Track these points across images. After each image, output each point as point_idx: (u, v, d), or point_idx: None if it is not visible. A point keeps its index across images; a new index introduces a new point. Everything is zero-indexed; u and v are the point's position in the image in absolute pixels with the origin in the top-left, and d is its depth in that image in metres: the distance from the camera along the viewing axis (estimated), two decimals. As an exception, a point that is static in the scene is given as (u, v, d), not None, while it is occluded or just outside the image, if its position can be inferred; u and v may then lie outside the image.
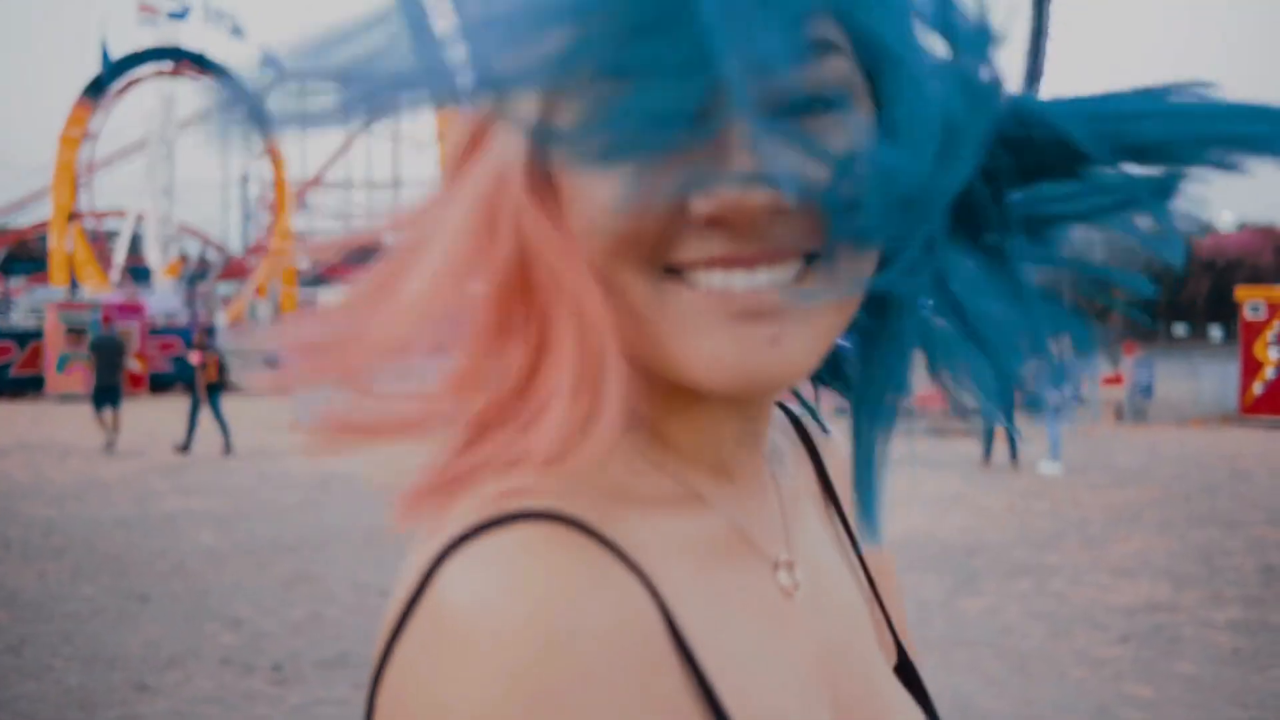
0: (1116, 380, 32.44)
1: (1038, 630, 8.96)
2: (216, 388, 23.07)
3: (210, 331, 25.53)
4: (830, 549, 1.12)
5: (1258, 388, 30.38)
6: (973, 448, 21.53)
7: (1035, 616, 9.37)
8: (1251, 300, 30.82)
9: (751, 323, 0.80)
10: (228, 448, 21.89)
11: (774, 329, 0.81)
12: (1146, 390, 32.33)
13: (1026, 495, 16.04)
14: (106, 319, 39.08)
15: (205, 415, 22.20)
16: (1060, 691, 7.51)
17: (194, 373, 23.13)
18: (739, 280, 0.80)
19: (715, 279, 0.81)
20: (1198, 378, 35.65)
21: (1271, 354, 30.04)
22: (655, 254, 0.81)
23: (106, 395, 23.70)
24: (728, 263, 0.80)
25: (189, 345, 24.58)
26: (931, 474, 18.38)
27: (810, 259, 0.82)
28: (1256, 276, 70.35)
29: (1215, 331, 76.97)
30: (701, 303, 0.81)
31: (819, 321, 0.83)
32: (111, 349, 24.82)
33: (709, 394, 0.84)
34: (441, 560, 0.76)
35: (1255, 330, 30.25)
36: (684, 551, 0.88)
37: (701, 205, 0.77)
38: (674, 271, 0.82)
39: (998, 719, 6.97)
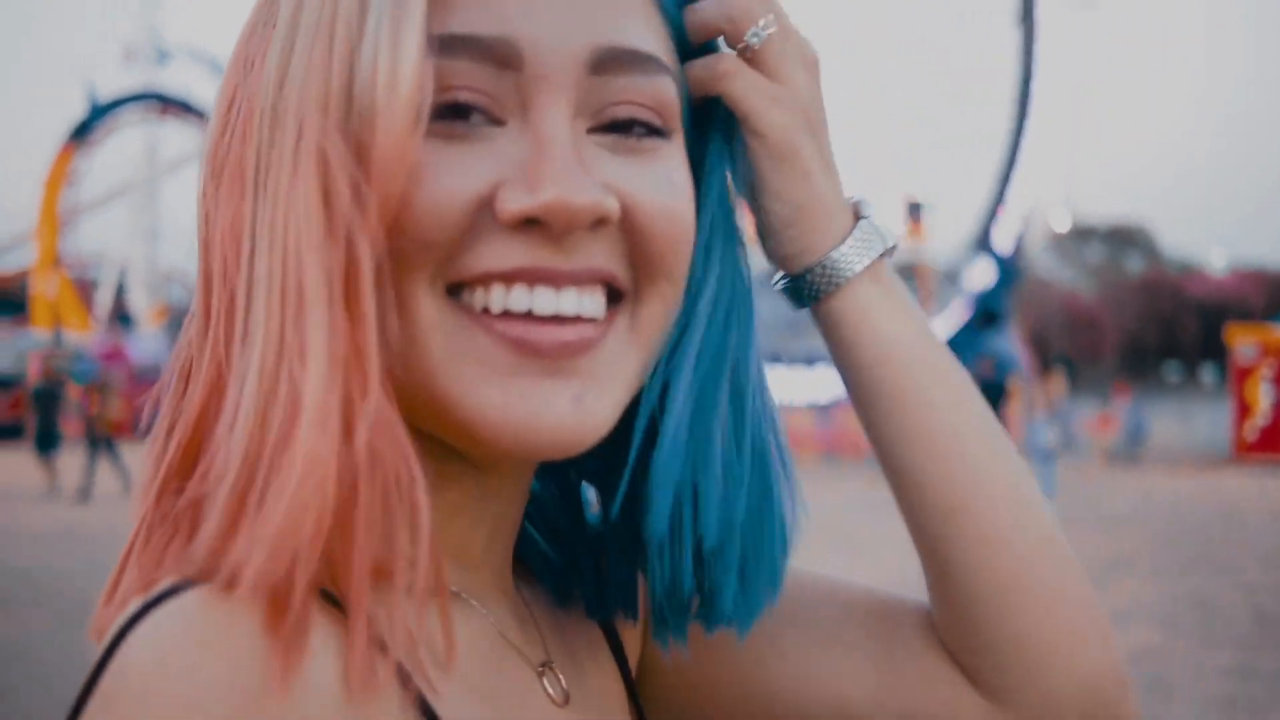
0: (1108, 423, 32.50)
1: (1030, 679, 8.89)
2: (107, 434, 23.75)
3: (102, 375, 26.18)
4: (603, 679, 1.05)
5: (1250, 430, 30.43)
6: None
7: (1027, 665, 9.30)
8: (1243, 342, 30.89)
9: (554, 379, 0.78)
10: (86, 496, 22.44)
11: (577, 388, 0.78)
12: (1138, 433, 32.38)
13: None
14: (110, 356, 38.92)
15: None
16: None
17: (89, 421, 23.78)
18: (543, 300, 0.78)
19: (515, 297, 0.77)
20: (1190, 420, 35.73)
21: (1264, 396, 30.08)
22: (449, 263, 0.77)
23: (48, 441, 23.92)
24: (533, 276, 0.77)
25: (47, 398, 24.87)
26: (919, 520, 18.35)
27: (613, 297, 0.82)
28: (1247, 317, 70.70)
29: (1207, 374, 77.31)
30: (495, 348, 0.77)
31: (620, 386, 0.82)
32: (51, 397, 25.00)
33: (487, 455, 0.81)
34: (141, 616, 0.72)
35: (1247, 372, 30.31)
36: (436, 644, 0.78)
37: (520, 201, 0.75)
38: (456, 289, 0.78)
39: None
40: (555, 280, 0.77)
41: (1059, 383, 36.89)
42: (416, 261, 0.76)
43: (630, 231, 0.80)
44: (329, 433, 0.70)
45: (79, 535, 16.77)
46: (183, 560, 0.74)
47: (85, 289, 59.56)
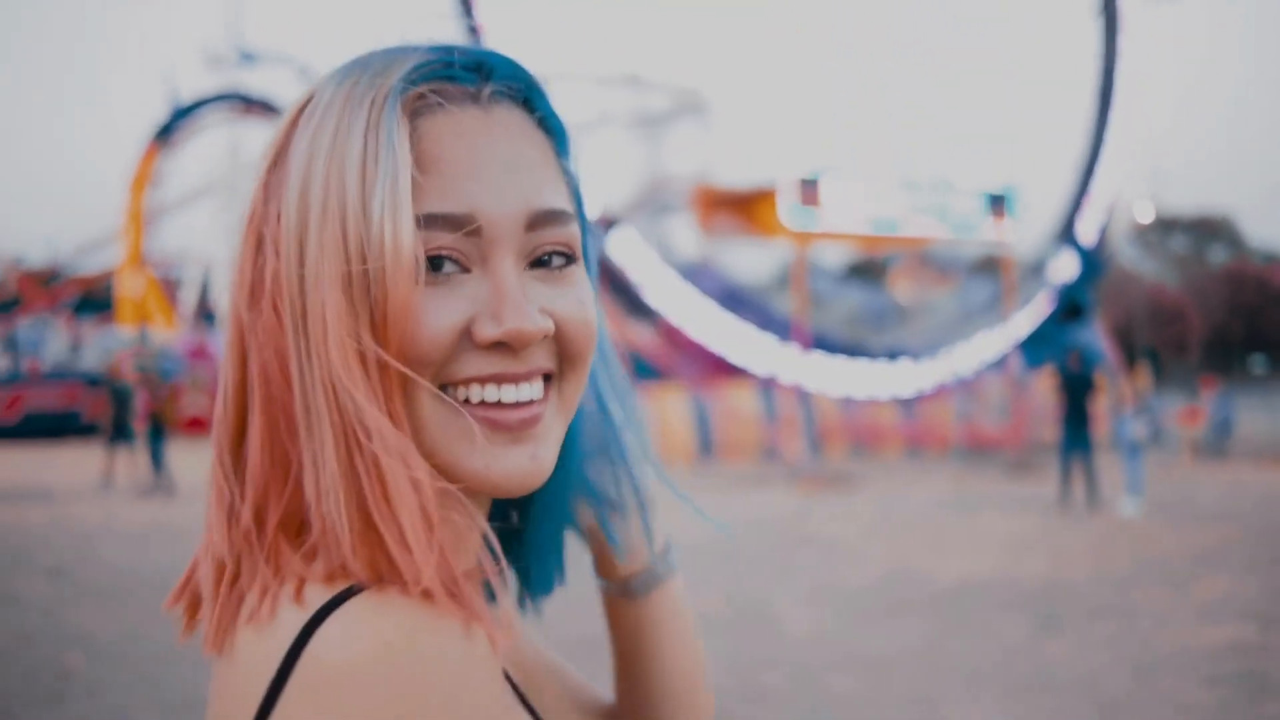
0: (1195, 416, 32.17)
1: (1123, 674, 8.80)
2: (162, 432, 24.41)
3: (166, 372, 26.55)
4: None
5: (1339, 423, 30.08)
6: (1050, 488, 21.35)
7: (1120, 660, 9.21)
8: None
9: (518, 445, 1.08)
10: (169, 489, 23.28)
11: (532, 448, 1.09)
12: (1226, 426, 32.06)
13: (1105, 536, 15.85)
14: (195, 353, 39.34)
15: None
16: (1150, 737, 7.38)
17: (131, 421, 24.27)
18: (508, 393, 1.08)
19: (489, 392, 1.08)
20: (1276, 412, 35.30)
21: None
22: (436, 373, 1.06)
23: (120, 435, 24.31)
24: (502, 379, 1.08)
25: (120, 394, 25.34)
26: (1009, 515, 18.23)
27: (546, 378, 1.12)
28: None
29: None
30: (474, 424, 1.06)
31: (555, 441, 1.13)
32: (122, 393, 25.30)
33: (486, 494, 1.11)
34: (326, 614, 0.95)
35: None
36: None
37: (490, 331, 1.06)
38: (446, 388, 1.07)
39: (1088, 765, 6.84)
40: (515, 379, 1.08)
41: (1145, 376, 36.54)
42: (421, 374, 1.05)
43: (559, 339, 1.11)
44: (408, 483, 1.00)
45: (171, 531, 16.93)
46: (323, 573, 0.99)
47: (170, 288, 60.05)
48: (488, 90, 1.11)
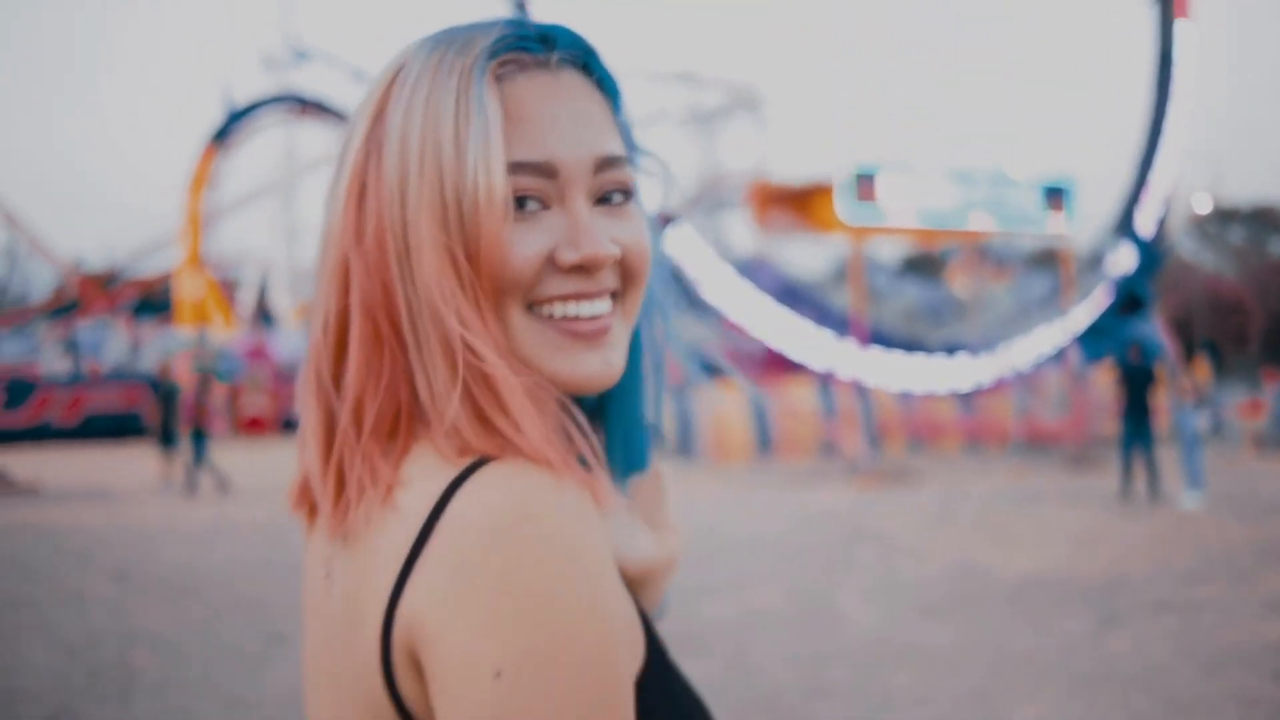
0: (1257, 409, 31.95)
1: (1188, 669, 8.74)
2: (204, 433, 24.68)
3: (207, 375, 26.74)
4: None
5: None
6: (1111, 482, 21.23)
7: (1184, 655, 9.15)
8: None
9: (593, 350, 1.29)
10: (225, 486, 23.67)
11: (605, 354, 1.30)
12: (1289, 418, 31.83)
13: (1168, 530, 15.74)
14: (253, 354, 39.66)
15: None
16: (1215, 732, 7.33)
17: (177, 423, 24.53)
18: (585, 309, 1.29)
19: (569, 308, 1.28)
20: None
21: None
22: (528, 294, 1.27)
23: (169, 437, 24.51)
24: (580, 296, 1.28)
25: (167, 395, 25.57)
26: (1070, 509, 18.14)
27: (613, 296, 1.33)
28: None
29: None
30: (558, 334, 1.28)
31: (623, 347, 1.33)
32: (171, 395, 25.47)
33: (566, 389, 1.29)
34: (468, 475, 1.17)
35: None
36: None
37: (570, 257, 1.26)
38: (533, 306, 1.28)
39: (1153, 760, 6.80)
40: (590, 297, 1.29)
41: (1204, 368, 36.30)
42: (512, 295, 1.26)
43: (622, 263, 1.32)
44: (512, 381, 1.22)
45: (233, 530, 17.04)
46: (452, 449, 1.20)
47: (228, 289, 60.41)
48: (555, 58, 1.31)
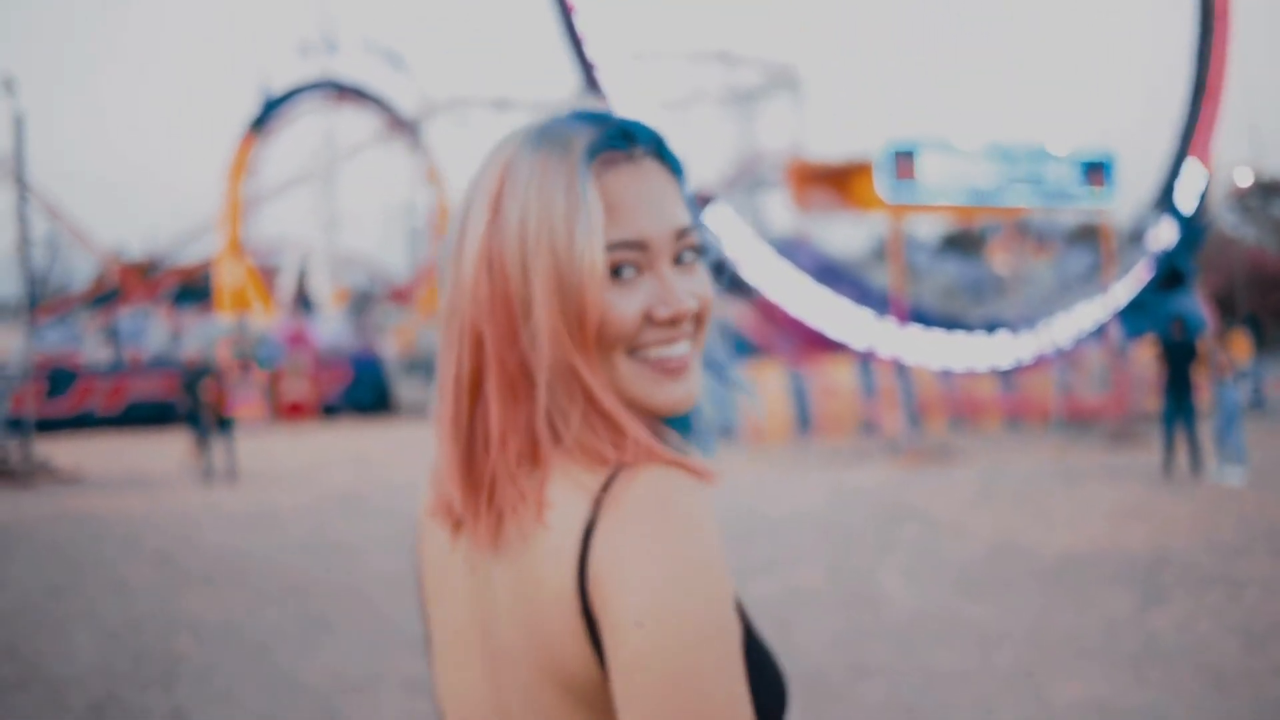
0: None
1: (1233, 644, 8.70)
2: (228, 419, 24.82)
3: (209, 368, 26.62)
4: None
5: None
6: (1153, 458, 21.14)
7: (1229, 630, 9.11)
8: None
9: (679, 382, 1.59)
10: (233, 474, 23.68)
11: (688, 384, 1.60)
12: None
13: (1211, 505, 15.66)
14: (293, 340, 39.87)
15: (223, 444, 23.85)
16: (1258, 707, 7.28)
17: (201, 408, 24.42)
18: (674, 350, 1.58)
19: (661, 351, 1.57)
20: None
21: None
22: (629, 344, 1.56)
23: (197, 423, 24.61)
24: (669, 341, 1.58)
25: (192, 380, 25.47)
26: (1112, 485, 18.06)
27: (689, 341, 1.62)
28: None
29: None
30: (654, 372, 1.58)
31: (699, 377, 1.63)
32: (193, 378, 25.52)
33: (660, 413, 1.59)
34: (615, 477, 1.48)
35: None
36: None
37: (664, 313, 1.55)
38: (634, 351, 1.57)
39: (1198, 737, 6.77)
40: (676, 340, 1.59)
41: (1243, 343, 36.07)
42: (617, 345, 1.56)
43: (697, 314, 1.61)
44: (624, 411, 1.55)
45: (271, 516, 17.11)
46: (591, 464, 1.51)
47: (268, 275, 60.61)
48: (637, 151, 1.61)
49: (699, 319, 1.63)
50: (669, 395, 1.59)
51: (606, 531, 1.44)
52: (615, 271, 1.56)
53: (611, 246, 1.54)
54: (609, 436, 1.53)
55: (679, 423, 1.68)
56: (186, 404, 25.35)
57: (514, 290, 1.54)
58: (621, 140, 1.60)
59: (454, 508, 1.60)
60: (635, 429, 1.53)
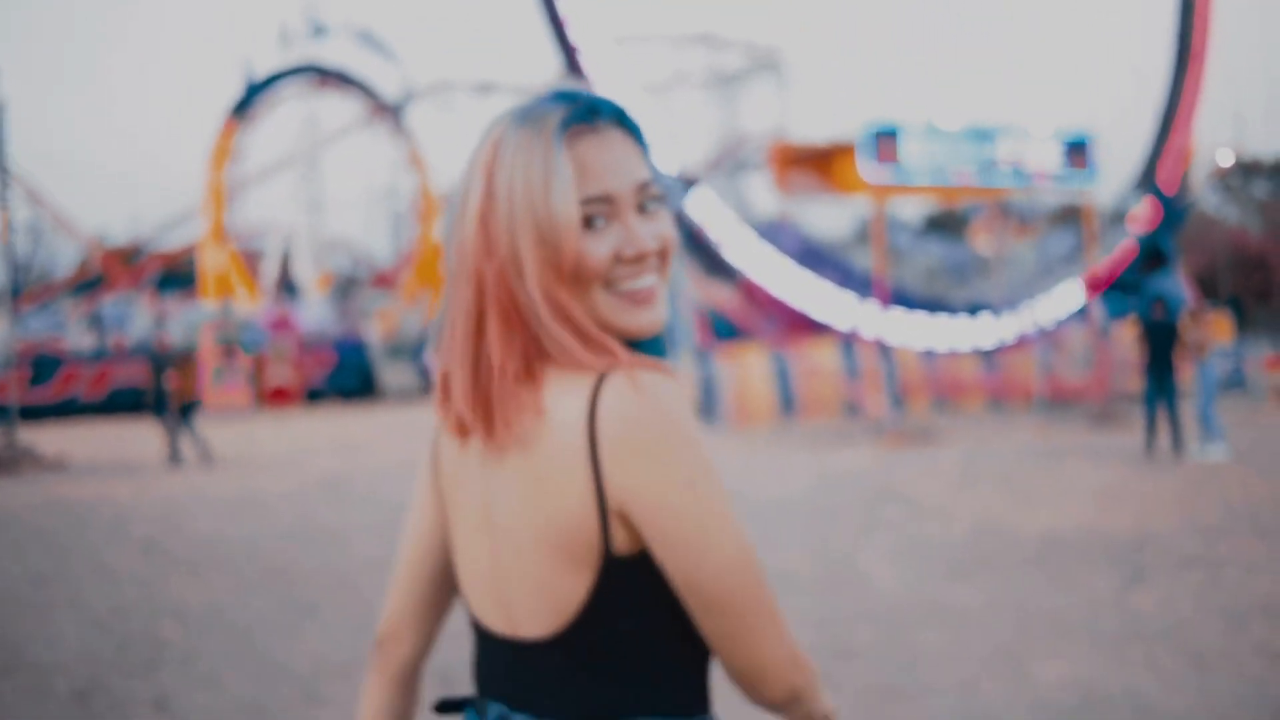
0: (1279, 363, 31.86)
1: (1214, 624, 8.75)
2: (190, 406, 24.68)
3: (180, 352, 26.55)
4: None
5: None
6: (1135, 438, 21.20)
7: (1210, 610, 9.16)
8: None
9: (649, 309, 1.94)
10: (208, 458, 23.82)
11: (656, 310, 1.95)
12: (1311, 373, 31.71)
13: (1193, 485, 15.73)
14: (278, 325, 39.88)
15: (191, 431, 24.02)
16: (1239, 687, 7.32)
17: (166, 394, 24.34)
18: (642, 282, 1.93)
19: (632, 284, 1.92)
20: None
21: None
22: (604, 279, 1.91)
23: (160, 408, 24.65)
24: (636, 275, 1.92)
25: (161, 366, 25.37)
26: (1094, 466, 18.13)
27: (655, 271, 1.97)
28: None
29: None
30: (627, 302, 1.92)
31: (665, 304, 1.96)
32: (159, 364, 25.47)
33: (633, 336, 1.93)
34: (604, 381, 1.84)
35: None
36: None
37: (630, 252, 1.90)
38: (609, 285, 1.91)
39: (1174, 716, 6.80)
40: (643, 274, 1.93)
41: (1225, 323, 36.15)
42: (594, 281, 1.90)
43: (659, 250, 1.95)
44: (603, 334, 1.90)
45: (256, 502, 17.12)
46: (593, 364, 1.86)
47: (251, 261, 60.49)
48: (601, 122, 1.95)
49: (663, 256, 1.98)
50: (640, 320, 1.93)
51: (611, 423, 1.81)
52: (589, 222, 1.90)
53: (583, 201, 1.88)
54: (594, 351, 1.87)
55: (651, 345, 2.00)
56: (153, 390, 25.32)
57: (505, 242, 1.87)
58: (588, 114, 1.93)
59: (464, 421, 1.94)
60: (615, 345, 1.88)
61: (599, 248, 1.89)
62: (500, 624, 1.98)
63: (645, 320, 1.93)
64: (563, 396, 1.86)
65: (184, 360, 25.42)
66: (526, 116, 1.92)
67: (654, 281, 1.95)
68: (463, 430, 1.96)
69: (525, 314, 1.88)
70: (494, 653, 2.02)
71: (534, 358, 1.89)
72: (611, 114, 1.97)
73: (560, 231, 1.85)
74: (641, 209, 1.95)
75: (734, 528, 1.85)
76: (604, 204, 1.90)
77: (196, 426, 24.34)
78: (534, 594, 1.90)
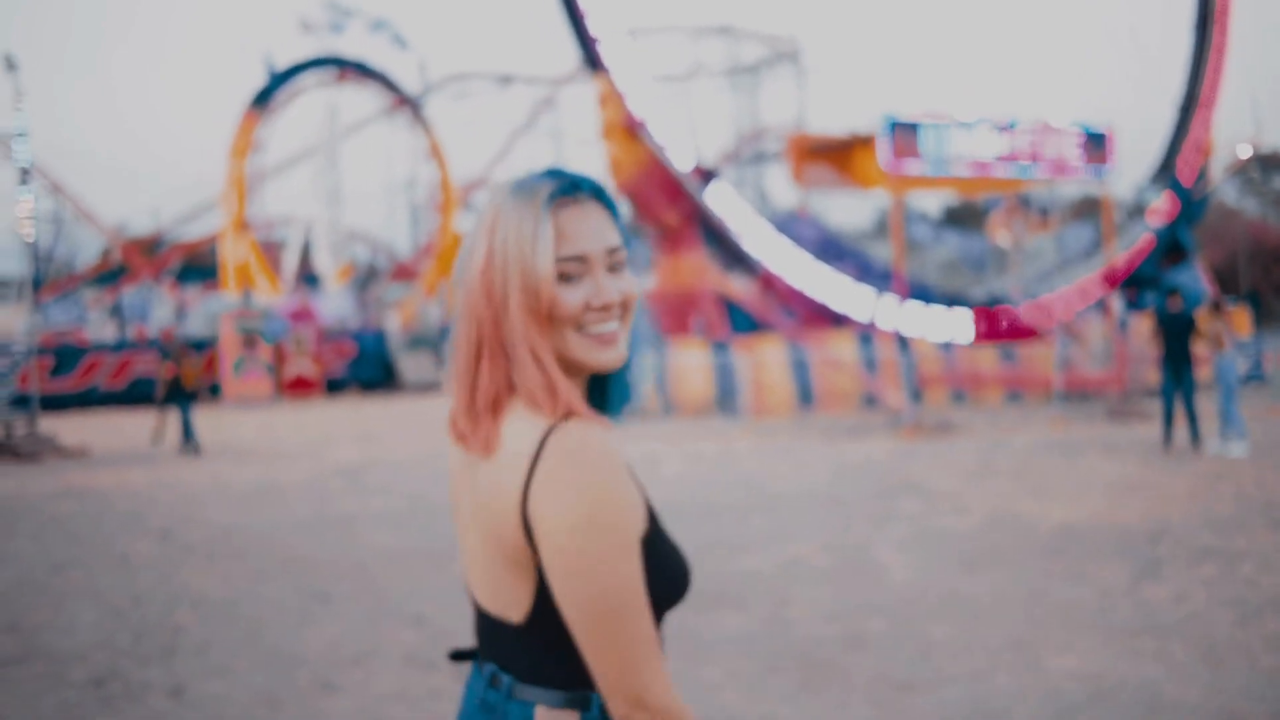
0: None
1: (1226, 617, 8.75)
2: (189, 395, 24.72)
3: (184, 342, 26.73)
4: None
5: None
6: (1152, 432, 21.16)
7: (1223, 603, 9.15)
8: None
9: (611, 349, 2.25)
10: (195, 450, 23.95)
11: (617, 349, 2.26)
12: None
13: (1209, 479, 15.71)
14: (298, 315, 39.89)
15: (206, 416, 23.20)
16: (1250, 679, 7.32)
17: (157, 384, 24.63)
18: (606, 327, 2.23)
19: (599, 328, 2.22)
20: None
21: None
22: (576, 323, 2.21)
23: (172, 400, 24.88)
24: (603, 321, 2.23)
25: (165, 356, 25.57)
26: (1110, 459, 18.10)
27: (619, 319, 2.28)
28: None
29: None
30: (594, 342, 2.23)
31: (625, 345, 2.28)
32: (163, 352, 25.68)
33: (595, 370, 2.27)
34: (552, 431, 2.12)
35: None
36: None
37: (597, 302, 2.21)
38: (580, 328, 2.22)
39: (1186, 708, 6.80)
40: (608, 320, 2.24)
41: (1244, 316, 36.05)
42: (567, 324, 2.21)
43: (622, 302, 2.26)
44: (565, 379, 2.21)
45: (273, 492, 17.16)
46: (544, 412, 2.15)
47: (272, 252, 60.62)
48: (581, 195, 2.27)
49: (625, 306, 2.30)
50: (604, 357, 2.26)
51: (543, 470, 2.10)
52: (566, 276, 2.23)
53: (560, 259, 2.22)
54: (553, 399, 2.17)
55: (611, 382, 2.43)
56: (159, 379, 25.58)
57: (498, 290, 2.21)
58: (571, 189, 2.27)
59: (461, 432, 2.28)
60: (565, 389, 2.19)
61: (572, 297, 2.23)
62: (487, 603, 2.31)
63: (608, 357, 2.27)
64: (523, 431, 2.17)
65: (184, 351, 25.53)
66: (522, 188, 2.27)
67: (616, 327, 2.28)
68: (460, 438, 2.30)
69: (508, 352, 2.22)
70: (485, 624, 2.35)
71: (504, 392, 2.23)
72: (590, 189, 2.32)
73: (540, 281, 2.19)
74: (611, 268, 2.29)
75: (609, 576, 2.09)
76: (579, 262, 2.24)
77: (192, 418, 24.41)
78: (495, 588, 2.26)
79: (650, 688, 2.12)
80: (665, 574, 2.24)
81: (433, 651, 8.36)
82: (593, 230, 2.28)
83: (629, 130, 33.64)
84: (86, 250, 68.04)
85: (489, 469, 2.21)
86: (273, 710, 7.24)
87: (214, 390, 41.22)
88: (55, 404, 37.24)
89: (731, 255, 34.45)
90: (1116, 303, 34.09)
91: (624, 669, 2.11)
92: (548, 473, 2.11)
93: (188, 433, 24.00)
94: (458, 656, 2.55)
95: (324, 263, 59.91)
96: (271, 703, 7.38)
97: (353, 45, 61.03)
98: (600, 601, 2.09)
